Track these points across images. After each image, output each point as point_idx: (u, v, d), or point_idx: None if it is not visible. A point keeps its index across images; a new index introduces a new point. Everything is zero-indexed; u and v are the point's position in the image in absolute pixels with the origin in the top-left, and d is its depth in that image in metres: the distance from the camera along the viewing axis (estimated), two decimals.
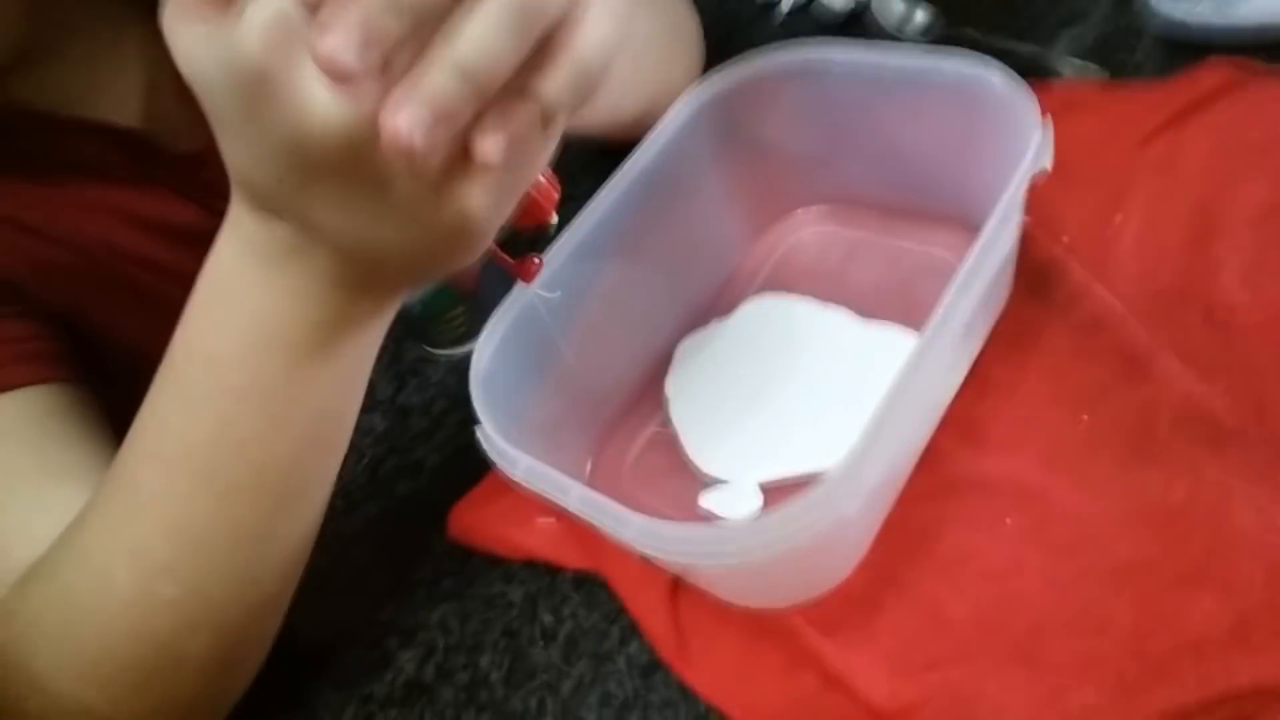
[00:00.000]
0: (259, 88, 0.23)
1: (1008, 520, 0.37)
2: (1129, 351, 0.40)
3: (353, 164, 0.24)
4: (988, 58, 0.41)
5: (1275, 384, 0.37)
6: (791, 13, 0.65)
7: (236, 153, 0.26)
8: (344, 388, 0.34)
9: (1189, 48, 0.51)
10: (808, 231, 0.52)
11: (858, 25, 0.62)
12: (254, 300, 0.29)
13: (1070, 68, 0.54)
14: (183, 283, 0.31)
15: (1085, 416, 0.39)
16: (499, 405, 0.38)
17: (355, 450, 0.53)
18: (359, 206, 0.26)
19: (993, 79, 0.41)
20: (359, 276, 0.29)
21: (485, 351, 0.39)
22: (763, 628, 0.38)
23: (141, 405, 0.33)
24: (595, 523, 0.33)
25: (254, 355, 0.30)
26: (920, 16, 0.60)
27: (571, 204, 0.62)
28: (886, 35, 0.60)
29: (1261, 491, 0.35)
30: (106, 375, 0.46)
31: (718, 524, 0.32)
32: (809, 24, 0.64)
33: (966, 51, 0.42)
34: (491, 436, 0.36)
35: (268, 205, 0.28)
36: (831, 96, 0.48)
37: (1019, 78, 0.40)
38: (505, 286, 0.55)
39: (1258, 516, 0.34)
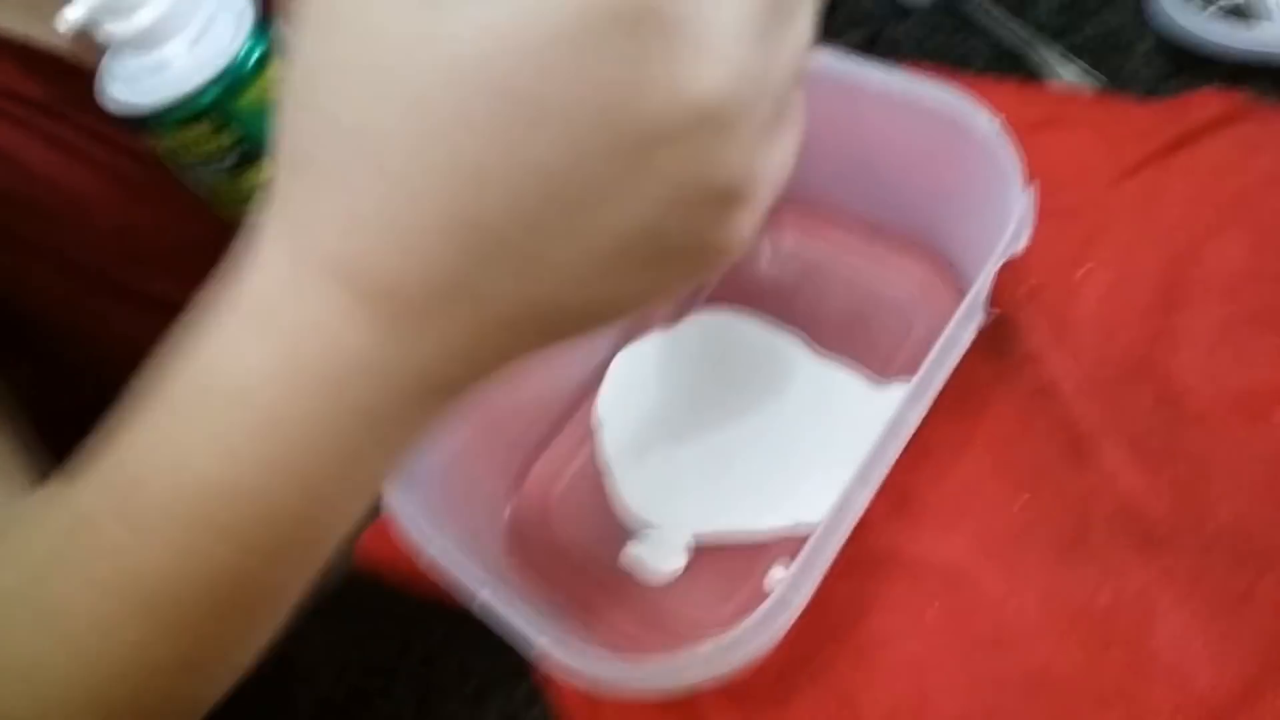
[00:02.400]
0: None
1: (930, 609, 0.37)
2: (1075, 430, 0.39)
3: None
4: (974, 106, 0.37)
5: (1219, 485, 0.36)
6: None
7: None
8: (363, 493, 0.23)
9: (1193, 61, 0.47)
10: (765, 241, 0.48)
11: None
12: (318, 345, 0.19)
13: (1065, 69, 0.49)
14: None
15: (1023, 498, 0.38)
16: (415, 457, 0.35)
17: None
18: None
19: (978, 125, 0.37)
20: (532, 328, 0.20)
21: None
22: (670, 703, 0.37)
23: (65, 490, 0.23)
24: (498, 631, 0.31)
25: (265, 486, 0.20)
26: None
27: None
28: None
29: (1183, 612, 0.34)
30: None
31: (633, 658, 0.30)
32: None
33: (953, 90, 0.38)
34: (403, 509, 0.34)
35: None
36: (806, 102, 0.43)
37: (1003, 134, 0.36)
38: None
39: (1174, 642, 0.34)
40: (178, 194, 0.33)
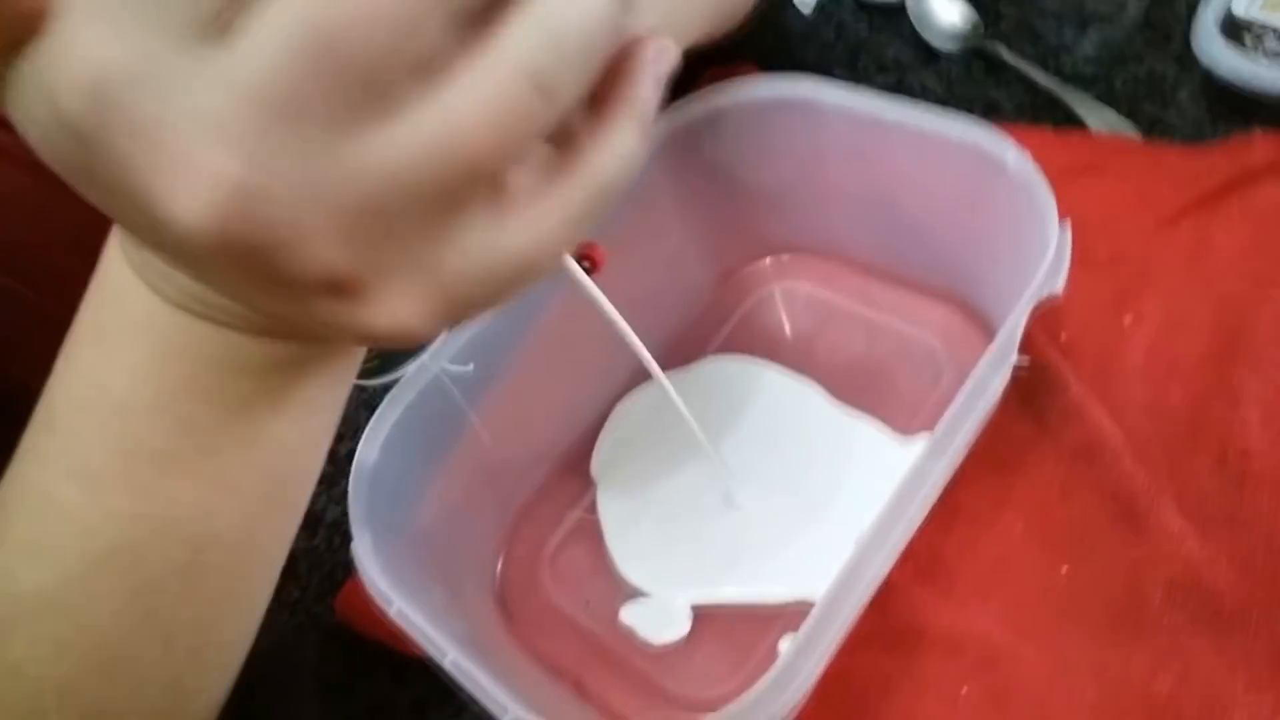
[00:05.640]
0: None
1: (964, 689, 0.32)
2: (1124, 494, 0.35)
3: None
4: (1001, 140, 0.34)
5: None
6: (823, 1, 0.57)
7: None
8: (304, 439, 0.25)
9: (1238, 109, 0.44)
10: (778, 286, 0.46)
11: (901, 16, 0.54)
12: (168, 342, 0.21)
13: (1097, 117, 0.47)
14: None
15: (1066, 567, 0.34)
16: (386, 509, 0.33)
17: None
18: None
19: (1007, 160, 0.35)
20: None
21: (372, 446, 0.33)
22: None
23: (9, 474, 0.24)
24: (470, 694, 0.28)
25: (179, 407, 0.22)
26: (957, 18, 0.52)
27: None
28: (917, 37, 0.53)
29: (1263, 700, 0.30)
30: None
31: None
32: (847, 9, 0.56)
33: (980, 121, 0.35)
34: (366, 563, 0.31)
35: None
36: (820, 138, 0.41)
37: (1034, 168, 0.34)
38: None
39: None
40: None
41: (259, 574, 0.27)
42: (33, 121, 0.15)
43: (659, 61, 0.18)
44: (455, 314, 0.17)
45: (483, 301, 0.17)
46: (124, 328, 0.21)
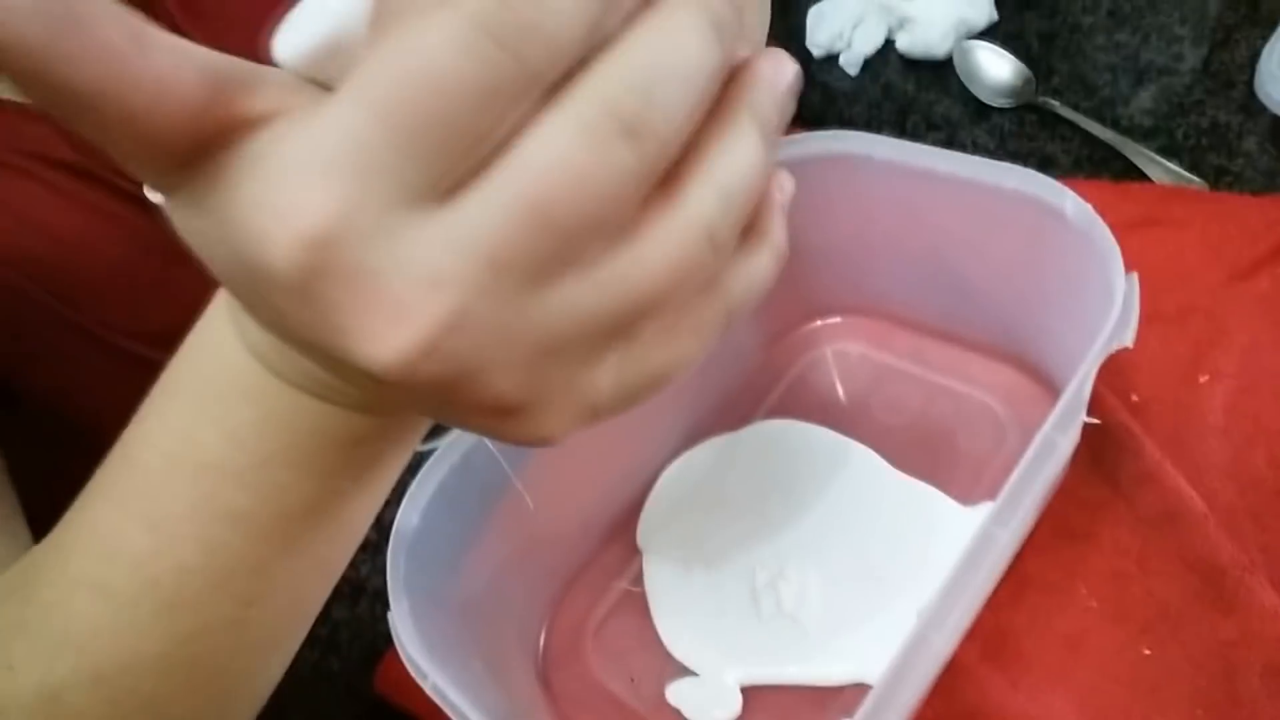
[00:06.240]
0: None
1: None
2: (1209, 567, 0.32)
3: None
4: (1059, 188, 0.33)
5: None
6: (869, 60, 0.57)
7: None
8: (372, 501, 0.26)
9: None
10: (830, 347, 0.44)
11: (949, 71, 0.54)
12: (274, 412, 0.22)
13: (1159, 169, 0.45)
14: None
15: (1147, 648, 0.32)
16: (426, 576, 0.32)
17: None
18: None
19: (1065, 209, 0.33)
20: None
21: (413, 512, 0.32)
22: None
23: (78, 510, 0.25)
24: None
25: (269, 474, 0.23)
26: (1008, 74, 0.51)
27: None
28: (967, 93, 0.52)
29: None
30: None
31: None
32: (893, 67, 0.56)
33: (1035, 174, 0.34)
34: (403, 632, 0.30)
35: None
36: (871, 196, 0.40)
37: (1095, 215, 0.32)
38: None
39: None
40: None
41: (299, 626, 0.28)
42: (200, 236, 0.16)
43: (785, 192, 0.19)
44: (593, 423, 0.18)
45: (619, 411, 0.18)
46: (227, 394, 0.22)
